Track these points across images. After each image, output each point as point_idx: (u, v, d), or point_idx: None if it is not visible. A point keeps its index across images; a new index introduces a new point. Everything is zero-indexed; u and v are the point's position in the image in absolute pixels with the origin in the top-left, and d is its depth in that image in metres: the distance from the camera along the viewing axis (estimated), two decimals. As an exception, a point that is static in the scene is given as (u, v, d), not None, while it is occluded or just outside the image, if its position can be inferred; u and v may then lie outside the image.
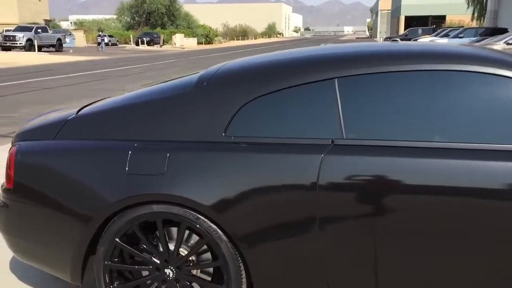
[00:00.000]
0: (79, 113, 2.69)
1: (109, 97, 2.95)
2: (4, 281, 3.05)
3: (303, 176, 2.15)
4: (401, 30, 49.74)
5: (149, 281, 2.43)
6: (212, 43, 64.91)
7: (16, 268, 3.21)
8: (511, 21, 26.13)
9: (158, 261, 2.38)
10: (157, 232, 2.42)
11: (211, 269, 2.44)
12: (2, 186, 2.67)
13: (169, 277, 2.38)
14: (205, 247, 2.38)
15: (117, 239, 2.36)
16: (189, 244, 2.39)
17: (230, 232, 2.24)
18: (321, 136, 2.21)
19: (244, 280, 2.31)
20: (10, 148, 2.65)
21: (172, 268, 2.37)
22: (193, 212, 2.26)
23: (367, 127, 2.19)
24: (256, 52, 33.78)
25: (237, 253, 2.28)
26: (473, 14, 34.16)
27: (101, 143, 2.46)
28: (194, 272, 2.40)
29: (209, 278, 2.43)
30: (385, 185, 2.09)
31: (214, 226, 2.26)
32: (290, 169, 2.17)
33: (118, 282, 2.45)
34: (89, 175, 2.39)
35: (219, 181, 2.23)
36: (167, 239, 2.38)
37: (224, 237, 2.26)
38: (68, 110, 2.92)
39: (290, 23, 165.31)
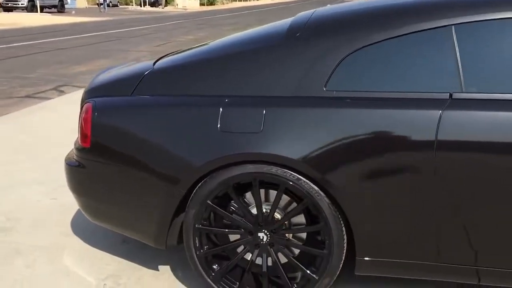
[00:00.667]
0: (156, 66, 2.50)
1: (184, 50, 2.75)
2: (69, 244, 2.93)
3: (419, 133, 1.98)
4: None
5: (240, 246, 2.30)
6: (214, 5, 63.69)
7: (79, 231, 3.08)
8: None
9: (251, 225, 2.24)
10: (246, 194, 2.27)
11: (303, 234, 2.31)
12: (76, 145, 2.51)
13: (263, 241, 2.24)
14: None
15: (209, 201, 2.22)
16: (282, 207, 2.25)
17: (334, 193, 2.09)
18: (438, 90, 2.02)
19: (345, 244, 2.17)
20: (83, 105, 2.47)
21: (266, 232, 2.23)
22: (293, 173, 2.11)
23: (488, 79, 2.01)
24: (266, 13, 33.12)
25: (339, 216, 2.13)
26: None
27: (187, 99, 2.28)
28: (287, 236, 2.27)
29: (300, 243, 2.29)
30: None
31: (316, 188, 2.11)
32: (404, 126, 2.00)
33: (207, 246, 2.32)
34: (175, 134, 2.22)
35: (323, 139, 2.06)
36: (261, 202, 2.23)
37: (326, 199, 2.11)
38: (140, 64, 2.73)
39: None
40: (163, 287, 2.50)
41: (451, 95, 2.00)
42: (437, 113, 1.97)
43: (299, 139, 2.08)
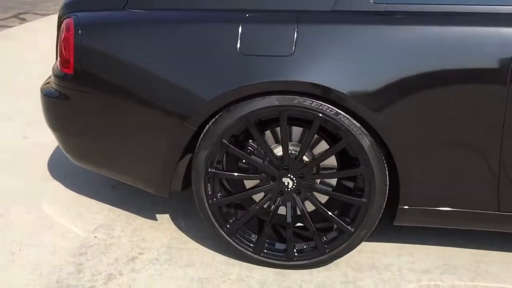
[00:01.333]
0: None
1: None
2: (48, 190, 2.51)
3: (491, 58, 1.62)
4: None
5: (259, 193, 1.94)
6: None
7: (59, 175, 2.66)
8: None
9: (275, 169, 1.87)
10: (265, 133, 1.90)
11: (332, 181, 1.97)
12: (54, 72, 2.04)
13: (288, 188, 1.89)
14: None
15: (225, 140, 1.83)
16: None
17: (380, 131, 1.73)
18: (519, 4, 1.64)
19: (387, 191, 1.84)
20: (61, 21, 1.99)
21: (292, 176, 1.87)
22: (331, 106, 1.72)
23: None
24: None
25: (383, 157, 1.78)
26: None
27: (196, 13, 1.84)
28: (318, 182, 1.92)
29: (328, 189, 1.95)
30: None
31: (358, 124, 1.74)
32: (470, 49, 1.63)
33: (221, 194, 1.95)
34: (182, 57, 1.79)
35: (369, 64, 1.68)
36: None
37: (370, 138, 1.75)
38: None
39: None
40: (165, 238, 2.14)
41: (533, 11, 1.62)
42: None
43: (340, 64, 1.69)
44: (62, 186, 2.54)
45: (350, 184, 1.95)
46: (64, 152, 2.18)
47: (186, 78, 1.79)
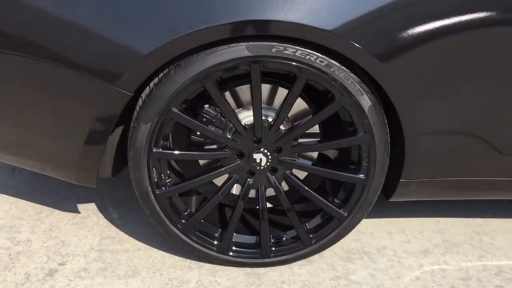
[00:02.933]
0: None
1: None
2: None
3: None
4: None
5: (222, 176, 1.45)
6: None
7: None
8: None
9: (242, 142, 1.39)
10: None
11: (313, 154, 1.54)
12: None
13: (260, 167, 1.42)
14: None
15: (174, 109, 1.31)
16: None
17: (387, 88, 1.30)
18: None
19: (387, 163, 1.43)
20: None
21: (266, 151, 1.40)
22: (321, 55, 1.26)
23: None
24: None
25: (385, 120, 1.37)
26: None
27: None
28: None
29: (309, 163, 1.52)
30: None
31: (357, 79, 1.29)
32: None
33: (170, 180, 1.44)
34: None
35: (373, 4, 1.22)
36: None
37: (371, 96, 1.32)
38: None
39: None
40: (93, 238, 1.61)
41: None
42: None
43: (332, -3, 1.21)
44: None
45: (332, 156, 1.53)
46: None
47: (117, 22, 1.24)
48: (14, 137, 1.45)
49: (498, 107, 1.37)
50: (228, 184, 1.44)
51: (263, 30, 1.23)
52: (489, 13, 1.24)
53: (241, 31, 1.23)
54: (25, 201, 1.78)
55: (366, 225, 1.73)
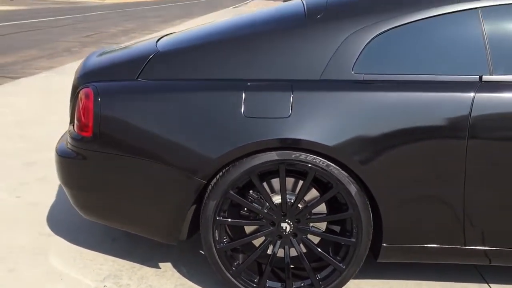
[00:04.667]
0: (163, 48, 2.31)
1: (188, 29, 2.56)
2: (51, 244, 2.65)
3: (453, 116, 1.98)
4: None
5: (260, 238, 2.18)
6: (133, -4, 61.71)
7: (59, 230, 2.80)
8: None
9: (274, 215, 2.14)
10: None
11: (322, 224, 2.25)
12: (72, 135, 2.26)
13: (286, 232, 2.15)
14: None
15: (231, 192, 2.09)
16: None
17: (365, 179, 2.04)
18: (468, 73, 2.03)
19: (371, 231, 2.13)
20: (80, 90, 2.23)
21: (289, 221, 2.14)
22: (323, 159, 2.03)
23: None
24: (191, 6, 32.61)
25: (367, 202, 2.09)
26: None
27: (205, 83, 2.13)
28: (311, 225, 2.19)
29: (321, 231, 2.23)
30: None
31: (346, 174, 2.05)
32: (437, 110, 1.99)
33: (226, 240, 2.18)
34: (194, 121, 2.06)
35: (352, 123, 2.01)
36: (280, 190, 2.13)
37: (356, 185, 2.06)
38: (141, 45, 2.52)
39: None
40: (171, 285, 2.33)
41: (480, 78, 2.02)
42: (469, 96, 1.98)
43: (329, 123, 2.01)
44: (64, 241, 2.69)
45: (337, 228, 2.23)
46: (75, 207, 2.36)
47: (196, 139, 2.06)
48: (127, 211, 2.24)
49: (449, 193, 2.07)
50: (264, 243, 2.17)
51: (287, 144, 2.02)
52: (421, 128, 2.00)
53: (273, 144, 2.02)
54: (122, 259, 2.53)
55: (365, 284, 2.37)
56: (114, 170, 2.17)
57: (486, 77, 2.01)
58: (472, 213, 2.07)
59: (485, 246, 2.13)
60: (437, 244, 2.13)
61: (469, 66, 2.04)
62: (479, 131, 1.97)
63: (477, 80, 2.02)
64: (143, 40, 2.80)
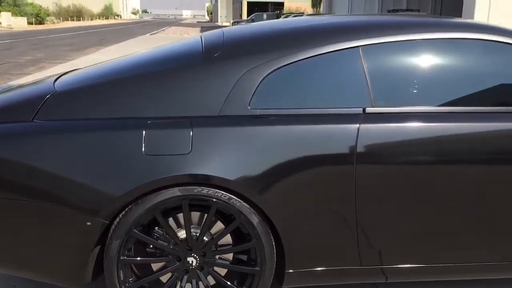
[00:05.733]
0: (60, 88, 2.28)
1: (87, 67, 2.55)
2: None
3: (341, 146, 2.13)
4: (244, 15, 51.26)
5: (167, 273, 2.20)
6: (44, 23, 59.53)
7: (-47, 281, 2.64)
8: (344, 7, 28.62)
9: (180, 250, 2.16)
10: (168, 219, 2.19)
11: (229, 254, 2.30)
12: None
13: (192, 266, 2.18)
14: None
15: (135, 230, 2.09)
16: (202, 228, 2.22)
17: (265, 209, 2.12)
18: (353, 105, 2.20)
19: (275, 259, 2.22)
20: (-28, 134, 2.15)
21: (195, 255, 2.17)
22: (224, 193, 2.10)
23: (392, 94, 2.24)
24: (105, 34, 31.97)
25: (269, 231, 2.17)
26: (312, 1, 36.73)
27: (103, 122, 2.13)
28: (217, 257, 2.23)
29: (227, 262, 2.28)
30: (422, 151, 2.16)
31: (247, 205, 2.12)
32: (327, 141, 2.13)
33: (132, 279, 2.17)
34: (93, 161, 2.06)
35: (251, 157, 2.10)
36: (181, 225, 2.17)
37: (257, 216, 2.14)
38: (36, 84, 2.46)
39: (128, 4, 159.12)
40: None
41: (364, 110, 2.19)
42: (355, 126, 2.14)
43: (228, 158, 2.09)
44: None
45: (244, 257, 2.30)
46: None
47: (96, 179, 2.05)
48: (22, 258, 2.16)
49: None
50: (170, 279, 2.18)
51: (189, 180, 2.07)
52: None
53: (175, 181, 2.06)
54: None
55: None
56: (11, 215, 2.10)
57: (369, 109, 2.19)
58: (365, 235, 2.21)
59: (381, 264, 2.28)
60: (336, 266, 2.26)
61: (353, 99, 2.21)
62: (365, 158, 2.14)
63: (361, 112, 2.19)
64: (40, 79, 2.75)
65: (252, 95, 2.18)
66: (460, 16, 15.88)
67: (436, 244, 2.26)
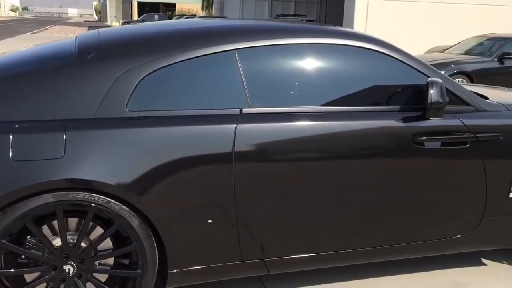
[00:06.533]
0: None
1: None
2: None
3: (219, 146, 2.18)
4: (135, 15, 49.97)
5: (42, 284, 2.10)
6: None
7: None
8: (235, 10, 29.11)
9: (55, 258, 2.07)
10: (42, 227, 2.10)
11: (110, 259, 2.25)
12: None
13: (69, 274, 2.10)
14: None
15: (3, 240, 1.97)
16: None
17: (145, 211, 2.11)
18: (230, 106, 2.26)
19: (157, 260, 2.21)
20: None
21: (72, 263, 2.10)
22: (102, 196, 2.05)
23: (267, 95, 2.33)
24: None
25: (150, 233, 2.16)
26: (203, 3, 36.84)
27: (-36, 126, 1.98)
28: (97, 263, 2.18)
29: (107, 268, 2.24)
30: (296, 148, 2.28)
31: (127, 208, 2.10)
32: (206, 141, 2.17)
33: (2, 293, 2.04)
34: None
35: (129, 159, 2.08)
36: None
37: (138, 219, 2.12)
38: None
39: (5, 1, 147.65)
40: None
41: (241, 111, 2.26)
42: (232, 127, 2.20)
43: (106, 161, 2.04)
44: None
45: (126, 261, 2.26)
46: None
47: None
48: None
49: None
50: (46, 290, 2.09)
51: (62, 185, 1.99)
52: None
53: (48, 186, 1.98)
54: None
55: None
56: None
57: (245, 110, 2.27)
58: (247, 230, 2.29)
59: (263, 258, 2.37)
60: (219, 263, 2.31)
61: (231, 100, 2.27)
62: (243, 157, 2.21)
63: (238, 112, 2.26)
64: None
65: (130, 97, 2.15)
66: (342, 23, 16.91)
67: (315, 235, 2.40)
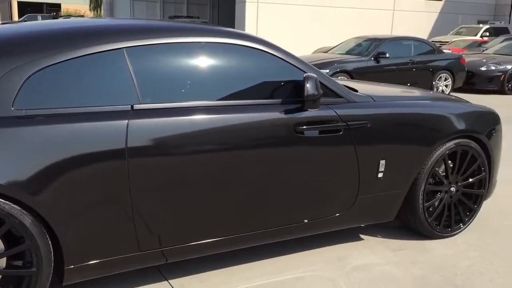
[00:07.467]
0: None
1: None
2: None
3: (111, 142, 2.25)
4: (15, 16, 46.73)
5: None
6: None
7: None
8: (126, 12, 28.42)
9: None
10: None
11: (2, 261, 2.23)
12: None
13: (-42, 278, 2.06)
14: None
15: None
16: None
17: (38, 209, 2.12)
18: (120, 103, 2.33)
19: (52, 257, 2.23)
20: None
21: (-39, 266, 2.06)
22: (-10, 196, 2.04)
23: (158, 91, 2.44)
24: None
25: (44, 230, 2.18)
26: (90, 4, 35.45)
27: None
28: (-13, 265, 2.15)
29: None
30: (187, 142, 2.41)
31: (18, 207, 2.10)
32: (96, 137, 2.23)
33: None
34: None
35: (18, 158, 2.08)
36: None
37: (30, 217, 2.13)
38: None
39: None
40: None
41: (132, 107, 2.35)
42: (124, 122, 2.29)
43: (-8, 160, 2.03)
44: None
45: (19, 262, 2.25)
46: None
47: None
48: None
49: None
50: None
51: None
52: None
53: None
54: None
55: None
56: None
57: (136, 106, 2.36)
58: (141, 222, 2.38)
59: (159, 247, 2.47)
60: (116, 256, 2.37)
61: (122, 97, 2.35)
62: (136, 151, 2.30)
63: (130, 108, 2.34)
64: None
65: (16, 96, 2.15)
66: (233, 24, 17.28)
67: (209, 222, 2.55)
